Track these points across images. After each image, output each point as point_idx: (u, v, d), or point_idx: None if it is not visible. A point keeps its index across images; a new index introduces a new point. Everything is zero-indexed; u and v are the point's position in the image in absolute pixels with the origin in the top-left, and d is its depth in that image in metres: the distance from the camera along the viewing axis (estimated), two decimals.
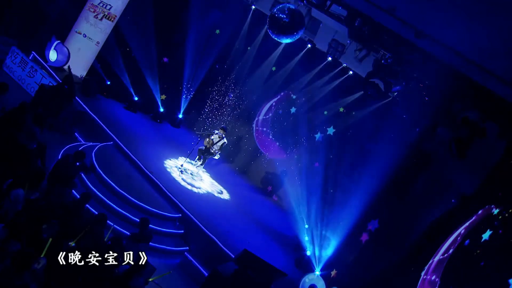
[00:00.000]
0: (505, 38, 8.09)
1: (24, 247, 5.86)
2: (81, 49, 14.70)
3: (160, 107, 16.26)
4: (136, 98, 15.70)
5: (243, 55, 16.57)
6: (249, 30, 16.28)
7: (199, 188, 12.73)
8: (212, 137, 13.29)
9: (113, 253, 7.04)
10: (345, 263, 11.57)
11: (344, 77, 14.54)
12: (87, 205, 8.60)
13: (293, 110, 15.63)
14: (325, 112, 14.95)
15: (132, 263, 6.84)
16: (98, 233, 7.47)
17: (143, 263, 6.87)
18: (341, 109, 14.81)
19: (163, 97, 16.32)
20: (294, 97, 15.68)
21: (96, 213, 8.90)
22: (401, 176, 11.38)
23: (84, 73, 14.86)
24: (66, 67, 13.44)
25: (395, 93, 12.70)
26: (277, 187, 15.76)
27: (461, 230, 8.96)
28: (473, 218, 8.90)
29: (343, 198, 12.58)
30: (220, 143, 13.25)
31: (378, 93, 12.30)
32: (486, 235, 8.08)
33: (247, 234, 11.84)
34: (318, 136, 15.04)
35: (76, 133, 12.41)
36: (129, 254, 6.93)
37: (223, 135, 13.33)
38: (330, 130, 14.83)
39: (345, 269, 11.44)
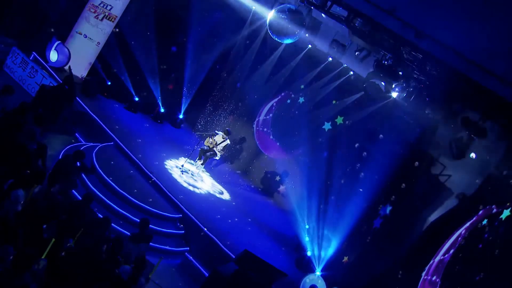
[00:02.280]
0: (505, 38, 8.09)
1: (24, 248, 5.87)
2: (81, 50, 14.70)
3: (161, 107, 16.26)
4: (136, 99, 15.70)
5: (243, 56, 16.55)
6: (250, 31, 16.27)
7: (200, 188, 12.73)
8: (215, 138, 13.32)
9: (113, 253, 7.06)
10: (345, 264, 11.58)
11: (344, 77, 14.52)
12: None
13: (301, 100, 15.52)
14: (334, 101, 14.78)
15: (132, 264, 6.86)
16: (99, 235, 7.46)
17: (144, 262, 6.89)
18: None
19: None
20: (302, 86, 15.56)
21: (97, 213, 8.90)
22: (402, 176, 11.39)
23: (84, 74, 14.86)
24: (66, 67, 13.43)
25: (396, 94, 12.68)
26: (278, 186, 15.74)
27: (462, 230, 8.97)
28: (474, 218, 8.91)
29: (343, 198, 12.59)
30: (223, 144, 13.30)
31: (379, 94, 12.30)
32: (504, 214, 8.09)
33: (248, 235, 11.84)
34: (327, 125, 14.92)
35: (76, 134, 12.42)
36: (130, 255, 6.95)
37: (227, 137, 13.38)
38: (339, 120, 14.69)
39: (346, 269, 11.45)
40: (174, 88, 16.67)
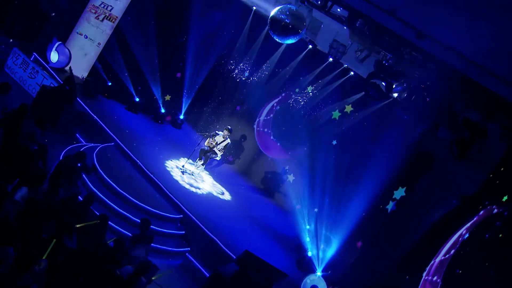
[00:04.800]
0: (506, 39, 8.09)
1: (25, 249, 5.87)
2: (82, 50, 14.71)
3: (161, 107, 16.27)
4: (137, 99, 15.72)
5: (244, 56, 16.57)
6: (250, 31, 16.28)
7: (200, 188, 12.74)
8: (216, 138, 13.36)
9: (114, 254, 7.06)
10: (346, 264, 11.57)
11: (345, 77, 14.52)
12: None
13: (310, 88, 15.40)
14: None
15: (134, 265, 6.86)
16: (99, 234, 7.48)
17: (147, 266, 6.88)
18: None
19: (168, 97, 16.29)
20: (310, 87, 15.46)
21: (98, 213, 8.90)
22: (402, 176, 11.38)
23: (85, 74, 14.88)
24: (67, 68, 13.46)
25: (396, 94, 12.69)
26: (279, 186, 15.72)
27: (463, 230, 8.95)
28: (475, 218, 8.89)
29: (344, 199, 12.58)
30: (223, 144, 13.32)
31: (379, 94, 12.31)
32: None
33: (248, 235, 11.84)
34: (336, 114, 14.84)
35: (77, 134, 12.43)
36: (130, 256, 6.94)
37: (227, 136, 13.40)
38: (348, 109, 14.59)
39: (347, 270, 11.44)
40: (174, 91, 16.64)
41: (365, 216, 11.56)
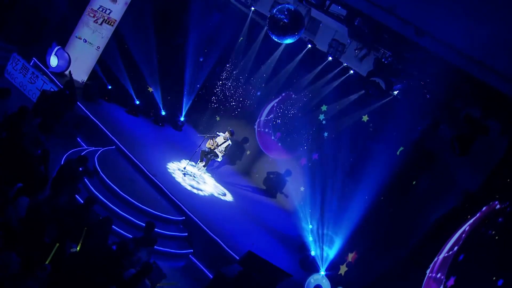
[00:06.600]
0: (506, 35, 8.07)
1: (27, 254, 5.87)
2: (81, 54, 14.72)
3: (162, 110, 16.27)
4: (137, 102, 15.72)
5: (243, 57, 16.57)
6: (249, 32, 16.28)
7: (202, 190, 12.74)
8: (217, 139, 13.36)
9: (118, 257, 7.07)
10: (350, 262, 11.57)
11: (345, 76, 14.51)
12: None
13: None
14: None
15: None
16: (101, 237, 7.47)
17: (150, 267, 6.88)
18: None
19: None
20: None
21: (100, 217, 8.90)
22: (404, 174, 11.37)
23: (85, 78, 14.88)
24: (67, 72, 13.46)
25: (397, 92, 12.68)
26: (281, 187, 15.71)
27: (466, 227, 8.94)
28: (477, 215, 8.88)
29: (345, 197, 12.57)
30: (224, 145, 13.33)
31: (380, 92, 12.29)
32: None
33: (251, 235, 11.83)
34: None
35: (78, 138, 12.43)
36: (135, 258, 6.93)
37: (228, 137, 13.39)
38: (365, 118, 14.51)
39: (350, 268, 11.43)
40: (174, 93, 16.59)
41: (366, 214, 11.54)
